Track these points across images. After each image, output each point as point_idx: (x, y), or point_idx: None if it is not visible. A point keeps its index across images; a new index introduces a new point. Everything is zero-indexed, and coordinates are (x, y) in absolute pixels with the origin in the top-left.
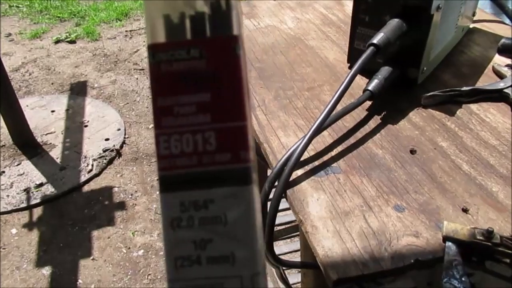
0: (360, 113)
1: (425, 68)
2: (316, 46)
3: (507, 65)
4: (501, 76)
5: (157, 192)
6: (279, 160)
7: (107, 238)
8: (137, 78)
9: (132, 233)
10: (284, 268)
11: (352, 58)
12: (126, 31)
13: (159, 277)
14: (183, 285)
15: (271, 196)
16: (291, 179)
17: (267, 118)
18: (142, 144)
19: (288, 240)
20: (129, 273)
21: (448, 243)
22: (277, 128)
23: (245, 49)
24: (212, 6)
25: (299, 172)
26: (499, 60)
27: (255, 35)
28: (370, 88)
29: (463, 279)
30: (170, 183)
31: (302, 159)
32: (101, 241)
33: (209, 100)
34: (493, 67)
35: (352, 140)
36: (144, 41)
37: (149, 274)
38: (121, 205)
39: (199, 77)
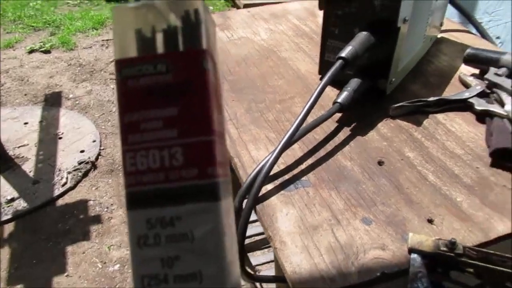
0: (330, 125)
1: (393, 79)
2: (289, 58)
3: (473, 75)
4: (466, 85)
5: None
6: (249, 175)
7: (82, 253)
8: (113, 88)
9: (108, 247)
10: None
11: (323, 70)
12: (102, 40)
13: None
14: None
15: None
16: (260, 194)
17: (238, 131)
18: (118, 156)
19: (266, 250)
20: None
21: (413, 255)
22: (248, 142)
23: (218, 61)
24: (181, 20)
25: (269, 186)
26: (465, 70)
27: (229, 47)
28: (339, 100)
29: None
30: (136, 200)
31: (272, 173)
32: (76, 257)
33: (176, 114)
34: (459, 76)
35: (322, 152)
36: None
37: None
38: (97, 219)
39: (166, 91)
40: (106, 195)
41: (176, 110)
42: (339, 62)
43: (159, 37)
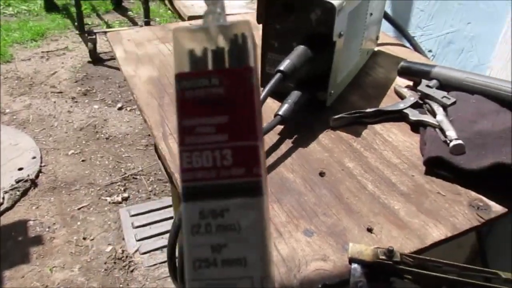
0: (272, 137)
1: (332, 91)
2: None
3: (407, 86)
4: (401, 97)
5: (78, 223)
6: None
7: (21, 277)
8: (54, 102)
9: (50, 270)
10: None
11: (264, 82)
12: (42, 52)
13: None
14: (201, 284)
15: None
16: None
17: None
18: (60, 172)
19: None
20: None
21: (354, 265)
22: None
23: (161, 74)
24: (231, 41)
25: None
26: (400, 82)
27: (170, 60)
28: (280, 112)
29: None
30: (191, 193)
31: None
32: (14, 282)
33: (227, 121)
34: (394, 88)
35: None
36: (62, 62)
37: None
38: (37, 240)
39: (218, 102)
40: (48, 214)
41: (227, 118)
42: (278, 75)
43: (209, 56)
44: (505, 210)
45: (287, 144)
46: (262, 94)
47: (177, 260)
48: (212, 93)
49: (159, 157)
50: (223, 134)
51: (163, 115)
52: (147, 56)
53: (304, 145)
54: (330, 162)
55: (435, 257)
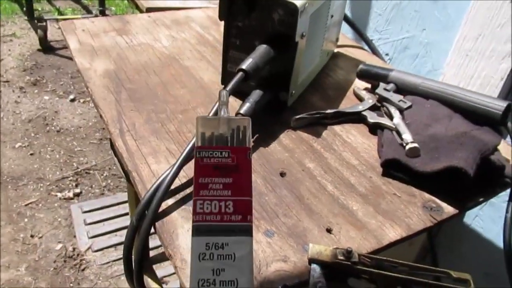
0: None
1: (293, 91)
2: (191, 66)
3: (366, 89)
4: (360, 99)
5: (25, 220)
6: (147, 190)
7: None
8: (0, 91)
9: None
10: None
11: (226, 80)
12: None
13: None
14: None
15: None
16: (160, 209)
17: (137, 143)
18: (6, 166)
19: None
20: None
21: (313, 265)
22: (148, 155)
23: (118, 68)
24: (237, 128)
25: (169, 201)
26: (359, 84)
27: (128, 53)
28: (241, 111)
29: None
30: (201, 230)
31: (172, 187)
32: None
33: (231, 182)
34: (354, 90)
35: None
36: (9, 50)
37: None
38: None
39: (226, 168)
40: None
41: (231, 179)
42: (240, 74)
43: (214, 138)
44: (456, 211)
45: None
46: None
47: (133, 262)
48: (222, 162)
49: (115, 154)
50: (228, 190)
51: (120, 110)
52: (103, 48)
53: (265, 145)
54: (290, 163)
55: (389, 254)
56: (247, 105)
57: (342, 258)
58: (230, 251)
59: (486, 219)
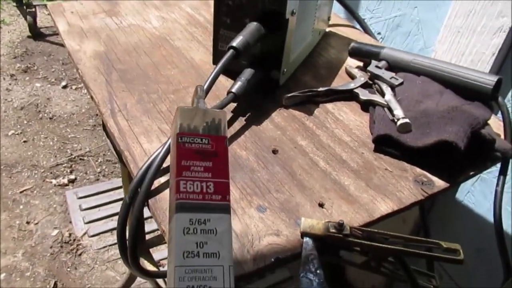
0: None
1: (285, 70)
2: (182, 47)
3: (357, 67)
4: (352, 77)
5: (20, 207)
6: (140, 168)
7: None
8: None
9: None
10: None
11: (217, 59)
12: None
13: None
14: (187, 269)
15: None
16: (153, 187)
17: (128, 123)
18: (0, 154)
19: None
20: None
21: (306, 239)
22: (140, 134)
23: (108, 49)
24: (212, 120)
25: (162, 179)
26: (351, 62)
27: (117, 34)
28: (233, 90)
29: (318, 271)
30: (184, 207)
31: (165, 165)
32: None
33: (211, 166)
34: (346, 68)
35: None
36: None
37: None
38: None
39: (206, 153)
40: None
41: (211, 163)
42: (230, 51)
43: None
44: (447, 185)
45: (240, 122)
46: (214, 71)
47: (127, 240)
48: (202, 147)
49: (108, 135)
50: (208, 173)
51: (111, 91)
52: (92, 30)
53: (257, 123)
54: (282, 140)
55: (382, 231)
56: (238, 83)
57: (334, 231)
58: (212, 226)
59: (477, 194)
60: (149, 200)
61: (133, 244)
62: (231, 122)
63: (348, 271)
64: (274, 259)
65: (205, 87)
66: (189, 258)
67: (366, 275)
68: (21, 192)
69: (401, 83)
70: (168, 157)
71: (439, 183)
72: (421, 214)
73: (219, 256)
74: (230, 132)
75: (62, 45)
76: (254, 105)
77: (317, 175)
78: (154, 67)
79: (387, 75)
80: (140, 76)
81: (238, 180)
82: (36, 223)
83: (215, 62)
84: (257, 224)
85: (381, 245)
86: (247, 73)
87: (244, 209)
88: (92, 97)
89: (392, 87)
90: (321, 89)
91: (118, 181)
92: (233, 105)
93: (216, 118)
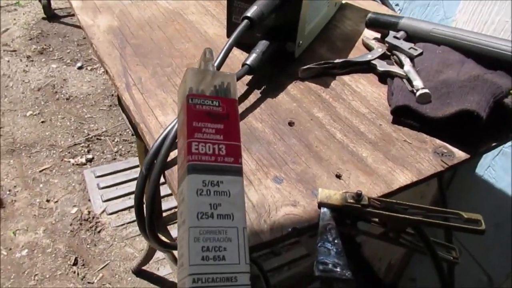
0: (240, 88)
1: (301, 42)
2: (196, 21)
3: (375, 38)
4: (369, 48)
5: (40, 186)
6: (155, 140)
7: None
8: (8, 61)
9: (13, 233)
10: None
11: (230, 32)
12: None
13: (47, 276)
14: (201, 230)
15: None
16: (169, 159)
17: (143, 97)
18: (19, 134)
19: None
20: (12, 277)
21: (323, 209)
22: (155, 107)
23: (122, 24)
24: (221, 84)
25: None
26: (368, 34)
27: (130, 9)
28: (248, 62)
29: (335, 241)
30: (196, 168)
31: None
32: None
33: (222, 128)
34: (362, 40)
35: None
36: (15, 19)
37: (36, 275)
38: None
39: (217, 115)
40: (8, 177)
41: (222, 125)
42: (245, 22)
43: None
44: (468, 156)
45: (255, 95)
46: (228, 42)
47: (145, 210)
48: (213, 110)
49: (123, 110)
50: (220, 135)
51: (126, 65)
52: (106, 5)
53: (272, 96)
54: (299, 112)
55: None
56: (253, 55)
57: (351, 201)
58: (225, 188)
59: (498, 169)
60: (166, 171)
61: (151, 215)
62: (246, 95)
63: (364, 248)
64: (291, 229)
65: (218, 59)
66: (203, 219)
67: (382, 251)
68: (40, 171)
69: (421, 54)
70: None
71: (460, 154)
72: (439, 189)
73: (233, 218)
74: (245, 105)
75: (77, 26)
76: (269, 77)
77: (334, 147)
78: (167, 41)
79: (405, 45)
80: (154, 50)
81: (254, 152)
82: (56, 201)
83: (229, 35)
84: (273, 195)
85: (400, 215)
86: (262, 45)
87: (261, 180)
88: (107, 71)
89: (411, 58)
90: (337, 60)
91: (135, 160)
92: (248, 78)
93: (225, 81)
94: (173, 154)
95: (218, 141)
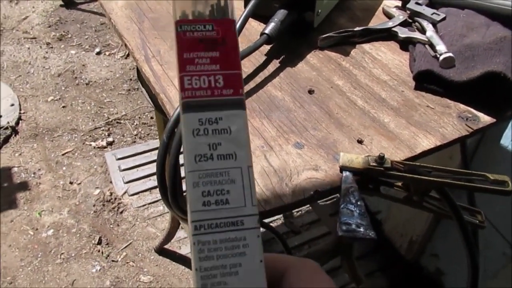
0: (259, 58)
1: (319, 11)
2: None
3: (396, 7)
4: (390, 17)
5: (63, 168)
6: (176, 108)
7: (10, 222)
8: (28, 48)
9: (39, 213)
10: None
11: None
12: None
13: (73, 254)
14: (200, 173)
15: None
16: None
17: (163, 68)
18: (41, 119)
19: None
20: (39, 255)
21: (345, 173)
22: (174, 78)
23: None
24: (218, 2)
25: None
26: (388, 2)
27: None
28: (266, 31)
29: (358, 203)
30: (191, 106)
31: None
32: (3, 226)
33: (218, 56)
34: (383, 8)
35: (251, 84)
36: (33, 7)
37: (62, 253)
38: (23, 186)
39: (211, 42)
40: (32, 160)
41: (218, 53)
42: None
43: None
44: (493, 120)
45: (274, 64)
46: (246, 9)
47: (167, 180)
48: (207, 35)
49: (142, 83)
50: (216, 65)
51: (144, 38)
52: None
53: (291, 65)
54: (318, 81)
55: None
56: (272, 24)
57: (374, 164)
58: (225, 125)
59: None
60: None
61: (173, 183)
62: (265, 65)
63: (385, 225)
64: (313, 191)
65: (238, 24)
66: (202, 162)
67: (403, 228)
68: (63, 155)
69: (443, 19)
70: None
71: (485, 119)
72: (463, 161)
73: (235, 157)
74: (264, 74)
75: (94, 13)
76: (288, 47)
77: (355, 113)
78: None
79: (428, 11)
80: (172, 24)
81: (274, 119)
82: (79, 183)
83: (246, 5)
84: (295, 160)
85: (425, 177)
86: (280, 14)
87: (281, 146)
88: (125, 45)
89: (434, 24)
90: (357, 28)
91: (154, 143)
92: (266, 48)
93: (221, 1)
94: None
95: (214, 72)
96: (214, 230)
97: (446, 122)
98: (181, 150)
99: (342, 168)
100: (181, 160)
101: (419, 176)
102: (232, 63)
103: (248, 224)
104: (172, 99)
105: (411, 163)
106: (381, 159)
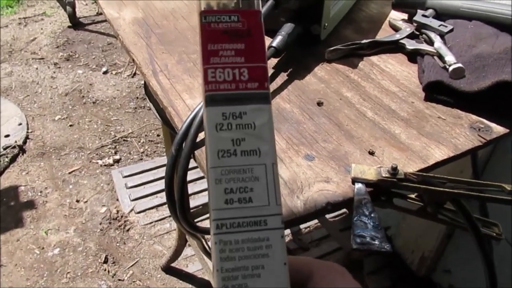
0: None
1: (326, 24)
2: None
3: (402, 19)
4: (396, 29)
5: (70, 187)
6: (184, 122)
7: (16, 241)
8: (36, 68)
9: (45, 232)
10: (205, 239)
11: None
12: (19, 18)
13: (79, 273)
14: (223, 170)
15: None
16: (198, 139)
17: (170, 82)
18: (48, 138)
19: None
20: (45, 275)
21: (358, 184)
22: (182, 91)
23: (146, 15)
24: None
25: None
26: (394, 15)
27: (154, 1)
28: (274, 44)
29: (372, 215)
30: (214, 100)
31: None
32: (9, 245)
33: (244, 48)
34: (389, 21)
35: None
36: (42, 28)
37: (68, 273)
38: (30, 204)
39: (237, 33)
40: (39, 179)
41: (244, 45)
42: (270, 1)
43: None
44: (507, 130)
45: (282, 77)
46: None
47: (175, 193)
48: (232, 26)
49: (149, 98)
50: (241, 57)
51: (152, 53)
52: None
53: (299, 77)
54: (327, 93)
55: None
56: (279, 37)
57: (387, 175)
58: (249, 120)
59: None
60: (195, 152)
61: (181, 196)
62: (273, 77)
63: (395, 241)
64: (326, 203)
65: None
66: (224, 158)
67: (415, 244)
68: (69, 173)
69: (451, 30)
70: None
71: (498, 129)
72: (473, 167)
73: (259, 154)
74: (272, 87)
75: (101, 33)
76: (295, 60)
77: (366, 125)
78: (192, 30)
79: (435, 23)
80: (179, 39)
81: (284, 132)
82: (85, 201)
83: None
84: (305, 172)
85: (439, 188)
86: (287, 27)
87: (292, 158)
88: (133, 60)
89: (441, 35)
90: (364, 41)
91: (161, 160)
92: (274, 61)
93: None
94: (202, 134)
95: (239, 64)
96: (236, 230)
97: (458, 132)
98: (189, 165)
99: (354, 180)
100: (188, 177)
101: (433, 187)
102: (257, 56)
103: (272, 224)
104: (180, 112)
105: (424, 174)
106: (394, 170)
